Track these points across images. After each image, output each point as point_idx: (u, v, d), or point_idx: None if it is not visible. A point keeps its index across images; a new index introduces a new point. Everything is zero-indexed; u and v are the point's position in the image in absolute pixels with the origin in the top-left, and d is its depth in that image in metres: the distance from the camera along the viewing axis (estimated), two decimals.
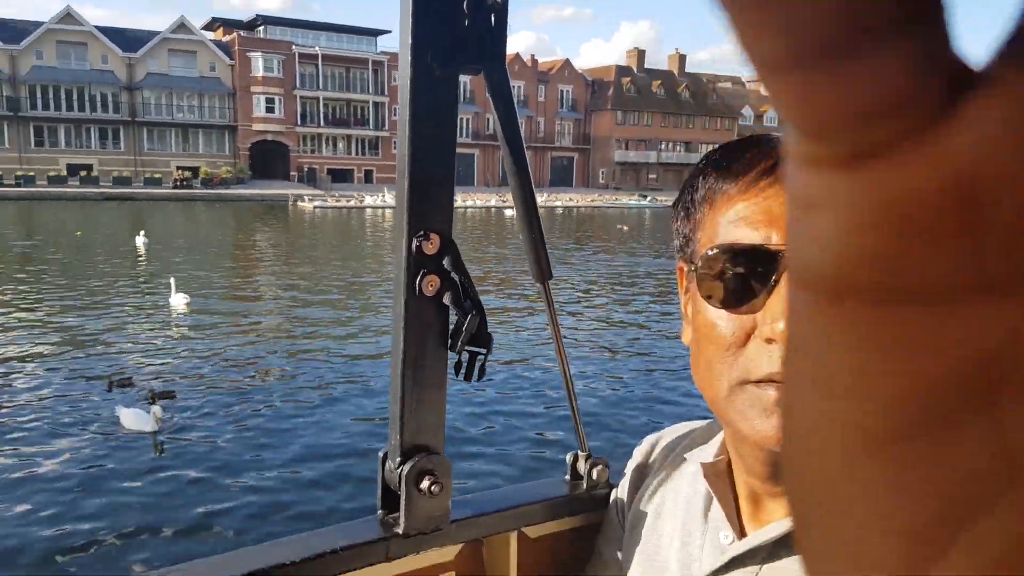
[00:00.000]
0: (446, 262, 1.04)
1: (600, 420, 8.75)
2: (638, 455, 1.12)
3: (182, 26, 54.85)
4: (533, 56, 68.31)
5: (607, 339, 13.74)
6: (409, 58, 0.98)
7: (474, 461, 7.76)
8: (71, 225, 33.53)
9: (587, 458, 1.27)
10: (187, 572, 1.04)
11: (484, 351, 1.10)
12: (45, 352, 12.42)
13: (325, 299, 17.34)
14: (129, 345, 13.22)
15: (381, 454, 1.12)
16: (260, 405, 10.00)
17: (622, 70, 71.67)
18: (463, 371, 1.10)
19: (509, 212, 43.77)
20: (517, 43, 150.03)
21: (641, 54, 73.42)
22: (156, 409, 8.17)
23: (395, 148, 1.09)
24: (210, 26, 61.56)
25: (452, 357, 1.10)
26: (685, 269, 0.84)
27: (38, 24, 51.17)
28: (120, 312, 15.98)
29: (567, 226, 41.20)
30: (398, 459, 1.08)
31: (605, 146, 69.86)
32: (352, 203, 45.80)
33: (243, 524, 6.62)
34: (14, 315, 15.25)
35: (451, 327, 1.07)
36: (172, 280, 16.38)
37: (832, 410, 0.15)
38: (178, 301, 15.70)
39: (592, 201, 57.17)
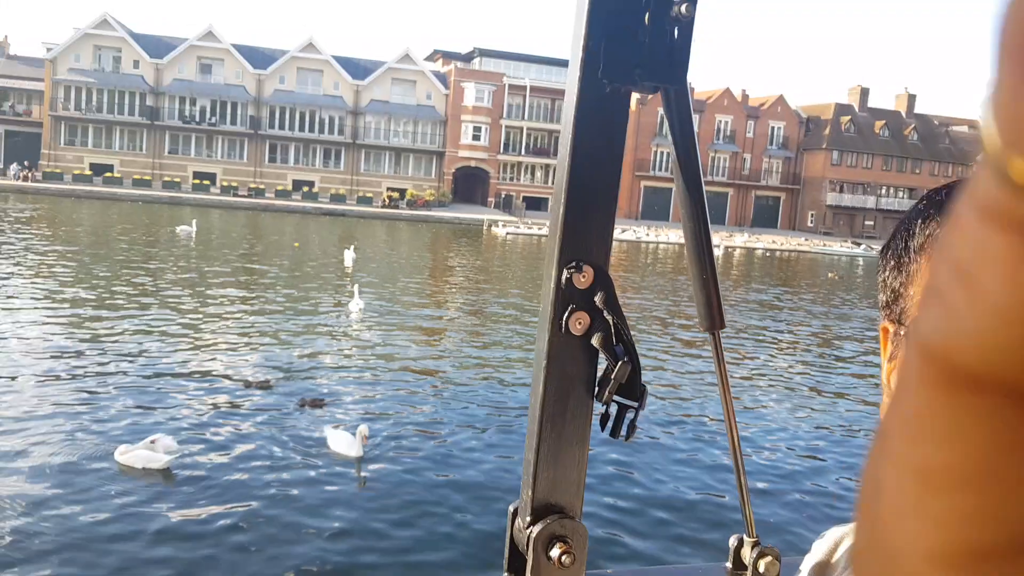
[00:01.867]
0: (598, 299, 0.95)
1: (773, 498, 7.77)
2: (819, 551, 0.95)
3: (406, 56, 59.22)
4: (744, 91, 66.06)
5: (793, 401, 12.39)
6: (578, 72, 0.91)
7: (613, 528, 7.03)
8: (290, 236, 36.87)
9: (754, 545, 1.11)
10: None
11: (636, 405, 0.99)
12: (237, 344, 13.48)
13: (501, 318, 17.48)
14: (308, 348, 14.12)
15: (511, 508, 1.03)
16: (419, 423, 10.08)
17: (842, 108, 67.27)
18: (609, 426, 0.99)
19: (717, 252, 42.57)
20: (727, 79, 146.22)
21: (864, 92, 68.50)
22: (363, 429, 8.26)
23: None
24: (431, 57, 65.86)
25: (598, 407, 1.00)
26: (891, 331, 0.77)
27: (283, 52, 57.53)
28: (313, 316, 17.19)
29: (767, 269, 38.92)
30: (528, 518, 1.00)
31: (817, 187, 65.69)
32: (544, 230, 46.51)
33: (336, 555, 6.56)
34: (229, 313, 16.77)
35: (600, 373, 0.98)
36: (355, 288, 17.87)
37: (936, 508, 0.14)
38: (355, 307, 16.83)
39: (799, 245, 53.78)
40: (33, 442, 8.39)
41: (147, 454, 7.50)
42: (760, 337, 18.00)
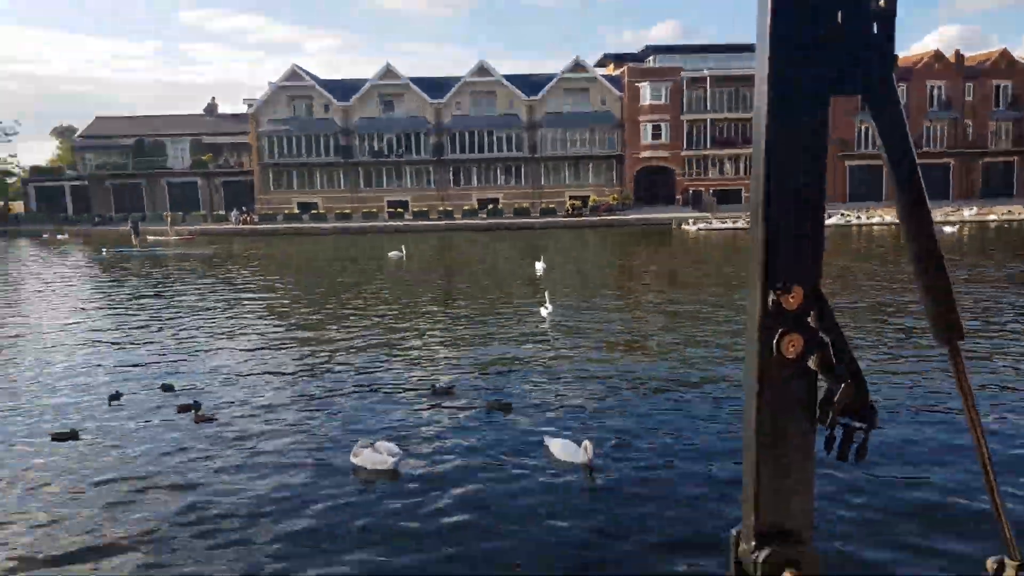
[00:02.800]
0: (812, 319, 0.91)
1: None
2: None
3: (577, 65, 59.33)
4: (958, 51, 59.32)
5: None
6: (766, 75, 0.86)
7: (849, 544, 6.05)
8: (480, 253, 37.80)
9: (1019, 568, 1.03)
10: None
11: (864, 426, 0.96)
12: (442, 353, 13.62)
13: (697, 317, 16.47)
14: (502, 354, 14.06)
15: (734, 532, 1.03)
16: (621, 430, 9.49)
17: None
18: (835, 448, 0.97)
19: (948, 229, 38.37)
20: (936, 40, 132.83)
21: None
22: (587, 444, 8.04)
23: None
24: (602, 63, 65.50)
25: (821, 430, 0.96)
26: None
27: (456, 79, 59.72)
28: (503, 323, 17.23)
29: (1006, 242, 34.28)
30: (753, 543, 0.98)
31: None
32: (739, 224, 44.22)
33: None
34: (436, 326, 17.16)
35: (821, 394, 0.93)
36: (546, 294, 18.08)
37: None
38: (545, 312, 17.17)
39: None
40: (274, 448, 8.80)
41: (375, 456, 7.96)
42: (999, 325, 15.55)
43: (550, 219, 54.98)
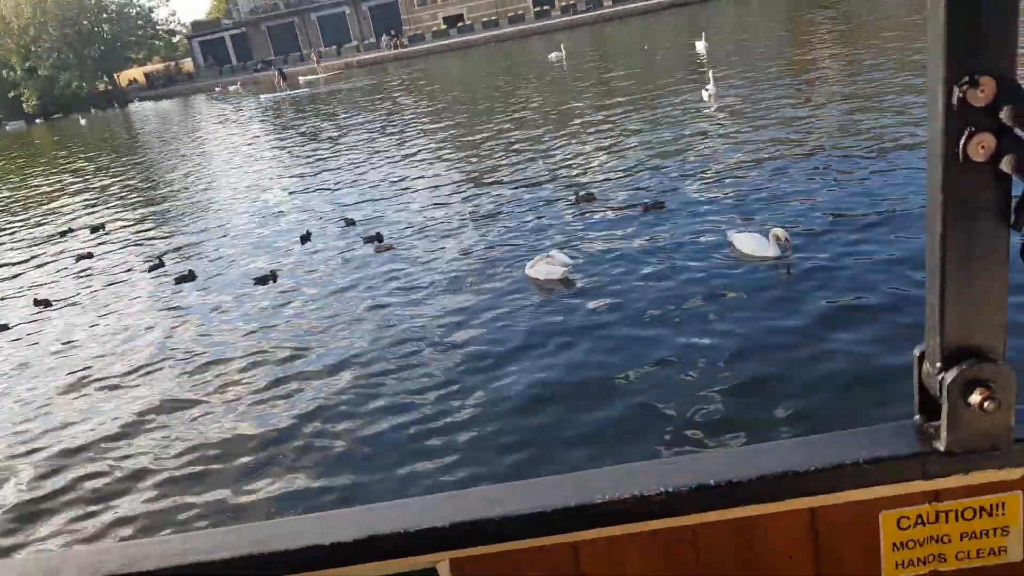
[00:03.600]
0: (1005, 115, 0.81)
1: None
2: None
3: None
4: None
5: None
6: None
7: None
8: (633, 39, 35.33)
9: None
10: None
11: None
12: (610, 156, 13.01)
13: (884, 88, 14.35)
14: (655, 136, 13.20)
15: (917, 352, 0.97)
16: (804, 218, 8.61)
17: None
18: None
19: None
20: None
21: None
22: (779, 232, 7.37)
23: None
24: None
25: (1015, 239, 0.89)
26: None
27: None
28: (662, 109, 16.16)
29: None
30: (938, 364, 0.93)
31: None
32: None
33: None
34: (588, 128, 16.45)
35: (1016, 199, 0.86)
36: (710, 73, 16.56)
37: None
38: (707, 94, 15.96)
39: None
40: (452, 268, 8.97)
41: (547, 267, 7.98)
42: None
43: None
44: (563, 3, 55.05)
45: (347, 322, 8.10)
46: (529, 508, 0.98)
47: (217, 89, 54.19)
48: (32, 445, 6.68)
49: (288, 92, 40.94)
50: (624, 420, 5.38)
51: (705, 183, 10.52)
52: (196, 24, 69.43)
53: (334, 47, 59.90)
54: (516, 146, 15.72)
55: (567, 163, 13.38)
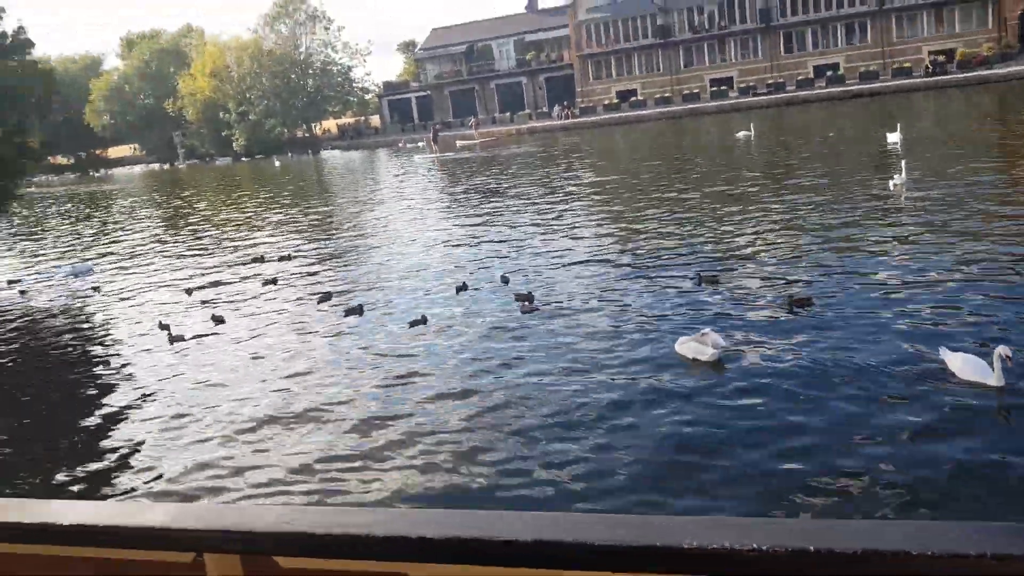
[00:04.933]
0: None
1: None
2: None
3: None
4: None
5: None
6: None
7: None
8: (816, 125, 34.23)
9: None
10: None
11: None
12: (781, 244, 12.41)
13: None
14: (834, 224, 12.38)
15: None
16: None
17: None
18: None
19: None
20: None
21: None
22: (1003, 350, 6.06)
23: None
24: None
25: None
26: None
27: None
28: (846, 197, 15.29)
29: None
30: None
31: None
32: None
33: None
34: (769, 211, 15.87)
35: None
36: (902, 163, 15.80)
37: None
38: (896, 184, 15.19)
39: None
40: (597, 334, 8.78)
41: (698, 346, 7.66)
42: None
43: (904, 81, 47.78)
44: (742, 84, 54.56)
45: (486, 370, 8.15)
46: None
47: (400, 144, 57.93)
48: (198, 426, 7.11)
49: (438, 154, 42.51)
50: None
51: (889, 282, 9.75)
52: (387, 84, 75.10)
53: (508, 113, 62.47)
54: (681, 221, 15.46)
55: (734, 244, 12.95)
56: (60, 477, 7.01)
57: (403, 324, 10.21)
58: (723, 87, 55.27)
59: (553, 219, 17.60)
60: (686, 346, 7.75)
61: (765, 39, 54.92)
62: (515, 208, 20.14)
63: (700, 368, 7.48)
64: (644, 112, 53.68)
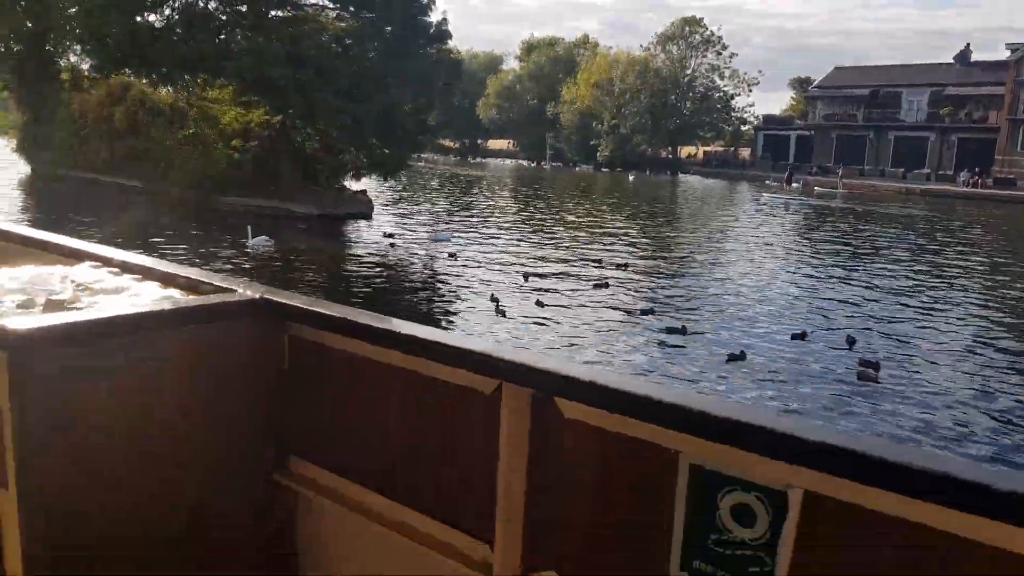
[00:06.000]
0: None
1: None
2: None
3: None
4: None
5: None
6: None
7: None
8: None
9: None
10: None
11: None
12: None
13: None
14: None
15: None
16: None
17: None
18: None
19: None
20: None
21: None
22: None
23: None
24: None
25: None
26: None
27: None
28: None
29: None
30: None
31: None
32: None
33: None
34: None
35: None
36: None
37: None
38: None
39: None
40: (940, 424, 7.81)
41: None
42: None
43: None
44: None
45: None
46: None
47: (768, 182, 56.35)
48: None
49: (792, 196, 41.38)
50: None
51: None
52: (767, 118, 73.53)
53: (900, 169, 57.52)
54: None
55: None
56: None
57: (720, 355, 10.06)
58: None
59: (928, 293, 15.88)
60: None
61: None
62: (881, 270, 18.54)
63: None
64: None
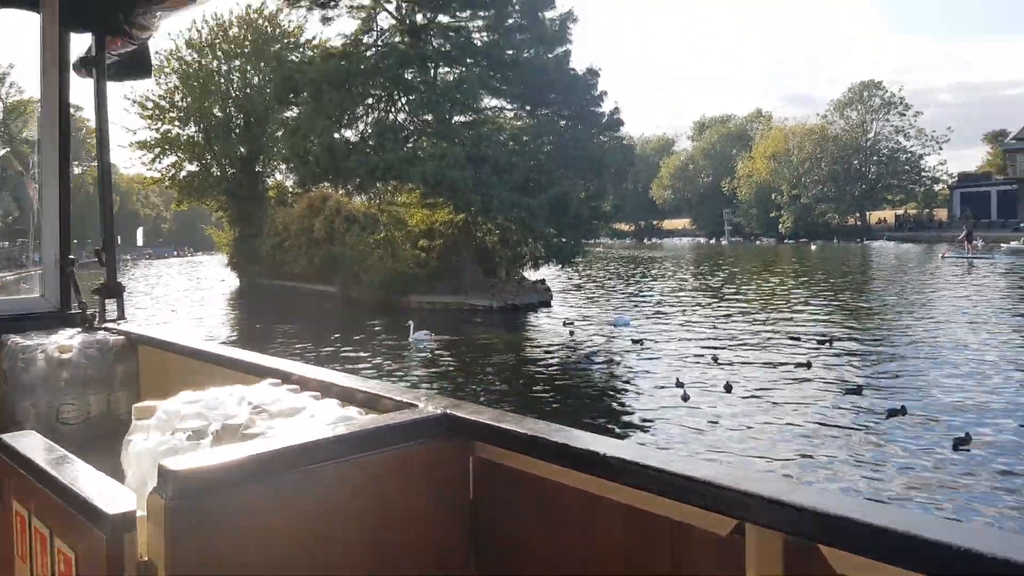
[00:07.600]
0: None
1: None
2: None
3: None
4: None
5: None
6: None
7: None
8: None
9: None
10: None
11: None
12: None
13: None
14: None
15: None
16: None
17: None
18: None
19: None
20: None
21: None
22: None
23: None
24: None
25: None
26: None
27: None
28: None
29: None
30: None
31: None
32: None
33: None
34: None
35: None
36: None
37: None
38: None
39: None
40: None
41: None
42: None
43: None
44: None
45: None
46: None
47: (977, 243, 51.33)
48: None
49: (970, 255, 39.47)
50: None
51: None
52: (963, 176, 67.91)
53: None
54: None
55: None
56: None
57: (945, 439, 8.91)
58: None
59: None
60: None
61: None
62: None
63: None
64: None
